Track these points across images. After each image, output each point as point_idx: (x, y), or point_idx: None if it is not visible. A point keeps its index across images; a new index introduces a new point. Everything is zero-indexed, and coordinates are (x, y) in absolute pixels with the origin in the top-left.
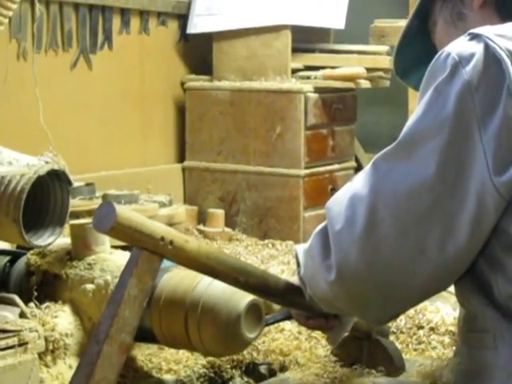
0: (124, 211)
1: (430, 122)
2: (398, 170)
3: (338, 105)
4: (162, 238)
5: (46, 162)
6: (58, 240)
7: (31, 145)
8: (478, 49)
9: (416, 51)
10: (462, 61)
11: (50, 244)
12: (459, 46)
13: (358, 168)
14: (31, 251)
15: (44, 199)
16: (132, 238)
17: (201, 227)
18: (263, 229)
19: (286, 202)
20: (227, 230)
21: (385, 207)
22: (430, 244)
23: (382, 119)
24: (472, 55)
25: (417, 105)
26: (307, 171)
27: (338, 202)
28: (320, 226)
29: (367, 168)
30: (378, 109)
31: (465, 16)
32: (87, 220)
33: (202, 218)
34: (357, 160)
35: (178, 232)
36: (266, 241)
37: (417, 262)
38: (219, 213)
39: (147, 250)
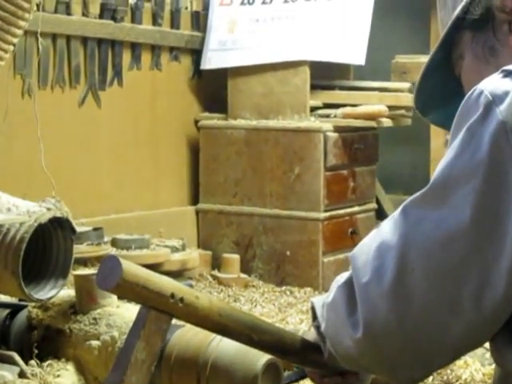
0: (130, 267)
1: (464, 166)
2: (429, 217)
3: (359, 144)
4: (172, 295)
5: (48, 209)
6: (62, 292)
7: (32, 189)
8: None
9: (437, 86)
10: (496, 99)
11: (52, 297)
12: (492, 84)
13: (379, 210)
14: (33, 304)
15: (46, 249)
16: (139, 296)
17: (215, 273)
18: (280, 275)
19: (304, 247)
20: (243, 275)
21: (416, 257)
22: (465, 296)
23: (403, 159)
24: (506, 93)
25: (448, 147)
26: (327, 214)
27: (364, 251)
28: (344, 278)
29: (396, 215)
30: (398, 148)
31: (498, 52)
32: (92, 270)
33: (216, 263)
34: (378, 202)
35: (188, 288)
36: (284, 287)
37: (451, 316)
38: (234, 258)
39: (155, 308)
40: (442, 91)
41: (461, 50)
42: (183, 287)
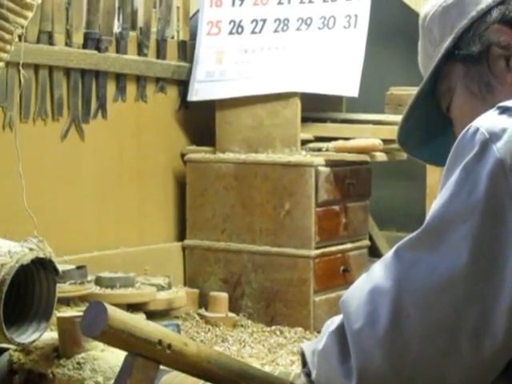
0: (116, 313)
1: (460, 206)
2: (424, 259)
3: (352, 179)
4: (160, 342)
5: (31, 249)
6: (44, 335)
7: (14, 228)
8: (509, 123)
9: (421, 119)
10: (493, 137)
11: (34, 341)
12: (488, 121)
13: (372, 247)
14: (14, 347)
15: (28, 291)
16: (126, 344)
17: (202, 312)
18: (270, 314)
19: (294, 285)
20: (231, 315)
21: (411, 302)
22: (463, 342)
23: (398, 194)
24: (504, 130)
25: (441, 185)
26: (318, 251)
27: (356, 296)
28: (335, 323)
29: (388, 257)
30: (393, 183)
31: (494, 88)
32: (76, 312)
33: (203, 301)
34: (371, 238)
35: (176, 333)
36: (274, 327)
37: (448, 363)
38: (222, 296)
39: (142, 355)
40: (425, 125)
41: (450, 84)
42: (171, 333)
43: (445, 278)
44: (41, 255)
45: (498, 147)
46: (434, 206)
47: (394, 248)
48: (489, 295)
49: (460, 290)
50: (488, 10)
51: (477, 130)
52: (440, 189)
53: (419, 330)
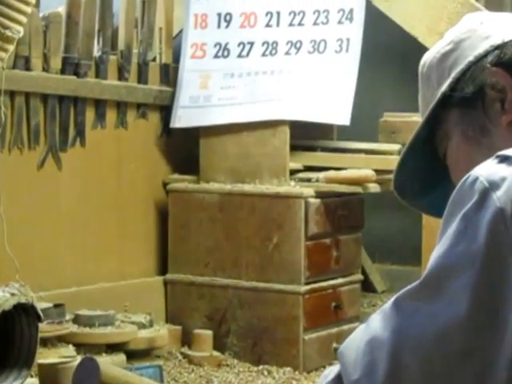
0: (109, 369)
1: (459, 257)
2: (424, 310)
3: (343, 211)
4: None
5: (12, 294)
6: (26, 382)
7: None
8: (509, 172)
9: (417, 167)
10: (492, 186)
11: None
12: (487, 170)
13: (366, 281)
14: None
15: (9, 337)
16: None
17: (185, 350)
18: (257, 353)
19: (283, 323)
20: (216, 353)
21: (410, 353)
22: None
23: (392, 225)
24: (503, 179)
25: (439, 234)
26: (308, 287)
27: (353, 346)
28: (333, 374)
29: (387, 308)
30: (387, 214)
31: (490, 132)
32: (58, 359)
33: (186, 339)
34: (364, 272)
35: None
36: (261, 367)
37: None
38: (207, 334)
39: None
40: (422, 175)
41: (447, 129)
42: None
43: (444, 329)
44: (23, 300)
45: (498, 196)
46: (433, 256)
47: (392, 298)
48: (490, 346)
49: (460, 341)
50: (485, 55)
51: (476, 178)
52: (439, 238)
53: (418, 380)
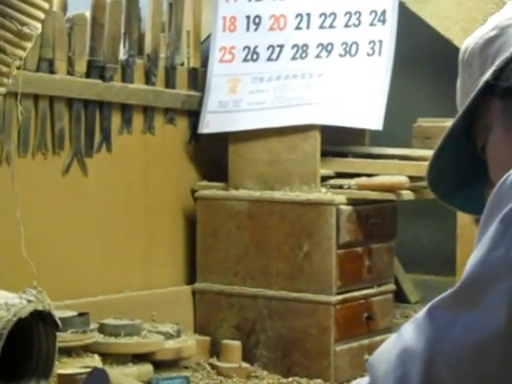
0: (119, 380)
1: (498, 263)
2: (459, 321)
3: (376, 219)
4: None
5: (29, 301)
6: None
7: (10, 274)
8: None
9: (453, 160)
10: None
11: None
12: None
13: (398, 292)
14: None
15: (26, 346)
16: None
17: (214, 361)
18: (287, 364)
19: (314, 334)
20: (245, 365)
21: (444, 367)
22: None
23: (426, 235)
24: None
25: (477, 239)
26: (339, 297)
27: (384, 359)
28: None
29: (420, 317)
30: (420, 222)
31: None
32: (79, 369)
33: (215, 350)
34: (396, 282)
35: None
36: (291, 379)
37: None
38: (235, 345)
39: None
40: (458, 168)
41: (487, 120)
42: None
43: (481, 340)
44: (40, 308)
45: None
46: (469, 263)
47: (426, 307)
48: None
49: (498, 353)
50: None
51: None
52: (476, 243)
53: None
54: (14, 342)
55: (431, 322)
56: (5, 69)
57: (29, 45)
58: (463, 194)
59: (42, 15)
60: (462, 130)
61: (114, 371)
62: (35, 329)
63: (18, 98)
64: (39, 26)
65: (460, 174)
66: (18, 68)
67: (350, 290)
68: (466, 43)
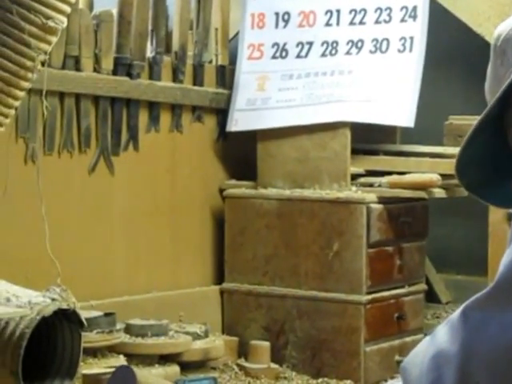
0: (147, 380)
1: None
2: (495, 320)
3: (407, 217)
4: None
5: (53, 300)
6: None
7: (35, 271)
8: None
9: (482, 151)
10: None
11: None
12: None
13: (430, 292)
14: None
15: (50, 345)
16: None
17: (242, 362)
18: (317, 365)
19: (343, 334)
20: (273, 366)
21: (480, 368)
22: None
23: (458, 233)
24: None
25: (509, 238)
26: (370, 297)
27: (418, 361)
28: None
29: (454, 319)
30: (452, 221)
31: None
32: (104, 369)
33: (243, 351)
34: (428, 282)
35: None
36: (320, 380)
37: None
38: (264, 345)
39: None
40: (488, 159)
41: None
42: None
43: None
44: (64, 306)
45: None
46: (503, 262)
47: (460, 308)
48: None
49: None
50: None
51: None
52: (509, 242)
53: None
54: (38, 341)
55: (465, 323)
56: (29, 63)
57: (54, 39)
58: (492, 187)
59: (67, 9)
60: (493, 119)
61: (140, 371)
62: (59, 328)
63: (43, 93)
64: (64, 19)
65: (489, 165)
66: (43, 63)
67: (380, 289)
68: (499, 30)
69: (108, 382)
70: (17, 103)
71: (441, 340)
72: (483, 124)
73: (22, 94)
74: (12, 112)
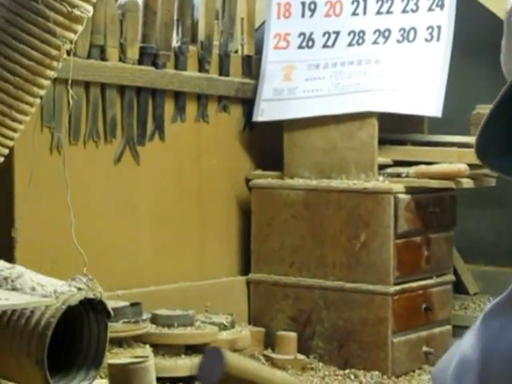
0: (235, 360)
1: None
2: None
3: (434, 208)
4: None
5: (79, 289)
6: (94, 383)
7: (61, 260)
8: None
9: (503, 127)
10: None
11: None
12: None
13: (457, 283)
14: None
15: (76, 335)
16: None
17: (268, 353)
18: (344, 356)
19: (371, 325)
20: (300, 356)
21: (497, 374)
22: None
23: (486, 224)
24: None
25: None
26: (397, 287)
27: (444, 367)
28: None
29: (476, 325)
30: (480, 211)
31: None
32: (130, 359)
33: (269, 341)
34: (455, 273)
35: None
36: (347, 371)
37: None
38: (291, 336)
39: None
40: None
41: None
42: (293, 380)
43: None
44: (90, 296)
45: None
46: None
47: (482, 313)
48: None
49: None
50: None
51: None
52: None
53: None
54: (64, 331)
55: (485, 330)
56: (54, 52)
57: (79, 28)
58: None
59: None
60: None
61: (229, 353)
62: (86, 318)
63: (69, 83)
64: (90, 8)
65: (510, 144)
66: (69, 52)
67: (408, 280)
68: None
69: (199, 364)
70: (42, 92)
71: (465, 346)
72: (502, 102)
73: (47, 82)
74: (37, 101)
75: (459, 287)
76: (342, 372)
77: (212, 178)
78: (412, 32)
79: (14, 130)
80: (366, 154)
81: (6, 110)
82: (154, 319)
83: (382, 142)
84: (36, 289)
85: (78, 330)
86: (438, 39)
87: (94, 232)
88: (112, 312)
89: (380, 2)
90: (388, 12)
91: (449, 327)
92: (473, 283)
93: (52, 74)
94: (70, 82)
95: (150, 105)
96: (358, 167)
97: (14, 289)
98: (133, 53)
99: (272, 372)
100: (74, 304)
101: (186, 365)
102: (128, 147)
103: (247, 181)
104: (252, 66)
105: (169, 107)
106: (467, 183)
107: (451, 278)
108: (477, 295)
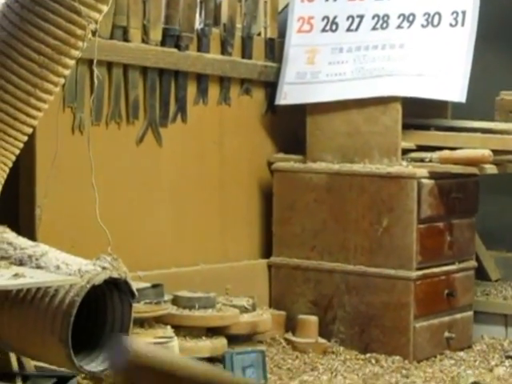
0: (143, 348)
1: None
2: None
3: (458, 193)
4: None
5: (103, 268)
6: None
7: (84, 241)
8: None
9: None
10: None
11: (105, 370)
12: None
13: (480, 269)
14: (82, 374)
15: (99, 314)
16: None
17: (289, 336)
18: (365, 340)
19: (392, 309)
20: (321, 340)
21: None
22: None
23: (508, 210)
24: None
25: None
26: (419, 273)
27: None
28: None
29: None
30: (503, 198)
31: None
32: (152, 339)
33: (290, 325)
34: (478, 259)
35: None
36: (369, 355)
37: None
38: (312, 320)
39: None
40: None
41: None
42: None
43: None
44: (115, 275)
45: None
46: None
47: None
48: None
49: None
50: None
51: None
52: None
53: None
54: (88, 310)
55: None
56: (79, 31)
57: (104, 8)
58: None
59: None
60: None
61: (139, 342)
62: (110, 297)
63: (94, 63)
64: None
65: None
66: (94, 33)
67: (430, 265)
68: None
69: (109, 353)
70: (66, 72)
71: None
72: None
73: (71, 62)
74: (62, 80)
75: (481, 273)
76: (363, 356)
77: (234, 160)
78: (437, 17)
79: (39, 109)
80: (389, 139)
81: (30, 89)
82: (176, 301)
83: (406, 126)
84: (60, 267)
85: (102, 310)
86: (463, 24)
87: (115, 213)
88: (135, 290)
89: None
90: None
91: (470, 313)
92: (494, 269)
93: (77, 53)
94: (95, 62)
95: (173, 87)
96: (381, 152)
97: (39, 267)
98: (156, 34)
99: (189, 362)
100: (99, 283)
101: (206, 346)
102: (150, 129)
103: (269, 164)
104: (275, 49)
105: (191, 89)
106: (491, 169)
107: (474, 263)
108: (498, 281)
